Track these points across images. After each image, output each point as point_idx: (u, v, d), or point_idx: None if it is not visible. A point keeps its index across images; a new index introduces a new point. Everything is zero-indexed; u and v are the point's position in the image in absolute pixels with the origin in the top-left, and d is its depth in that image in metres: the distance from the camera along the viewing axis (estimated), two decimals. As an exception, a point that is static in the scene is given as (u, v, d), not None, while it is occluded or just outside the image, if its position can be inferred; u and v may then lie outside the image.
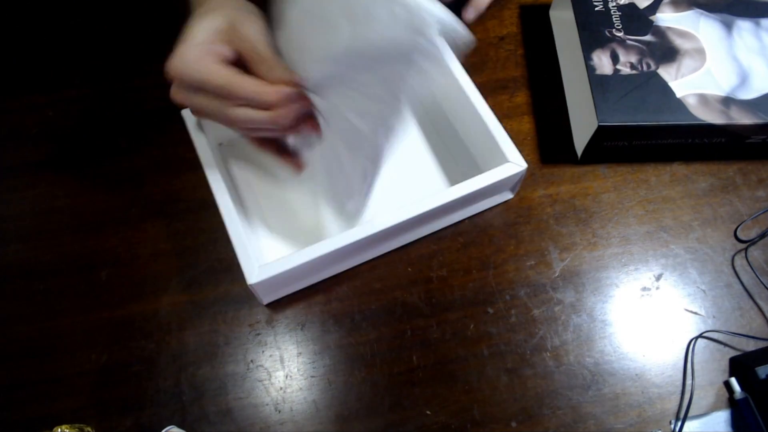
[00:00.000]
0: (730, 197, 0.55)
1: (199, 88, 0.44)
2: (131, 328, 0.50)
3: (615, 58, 0.56)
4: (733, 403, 0.47)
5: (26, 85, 0.62)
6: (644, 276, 0.52)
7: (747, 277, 0.52)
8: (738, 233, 0.54)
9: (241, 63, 0.45)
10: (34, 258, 0.53)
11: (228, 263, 0.52)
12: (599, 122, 0.52)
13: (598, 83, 0.54)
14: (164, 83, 0.44)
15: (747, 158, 0.57)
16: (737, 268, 0.52)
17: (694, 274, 0.52)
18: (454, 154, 0.57)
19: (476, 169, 0.53)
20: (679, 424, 0.46)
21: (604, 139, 0.54)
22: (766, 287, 0.51)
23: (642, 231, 0.51)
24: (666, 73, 0.55)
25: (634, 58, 0.56)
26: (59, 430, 0.43)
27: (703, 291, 0.52)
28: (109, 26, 0.65)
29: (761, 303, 0.51)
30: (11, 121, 0.60)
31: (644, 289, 0.52)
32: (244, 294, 0.51)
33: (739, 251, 0.53)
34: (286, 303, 0.51)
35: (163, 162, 0.57)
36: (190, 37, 0.43)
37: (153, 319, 0.50)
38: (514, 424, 0.47)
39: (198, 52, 0.43)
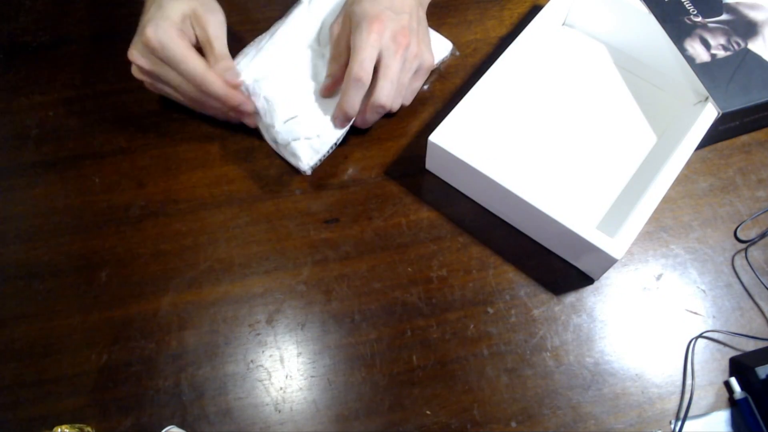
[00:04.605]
0: (730, 197, 0.55)
1: (172, 65, 0.48)
2: (131, 328, 0.50)
3: (706, 44, 0.55)
4: (733, 403, 0.47)
5: (26, 85, 0.62)
6: (644, 276, 0.52)
7: (747, 277, 0.52)
8: (738, 233, 0.54)
9: (197, 46, 0.50)
10: (34, 258, 0.53)
11: (228, 263, 0.52)
12: (723, 110, 0.52)
13: (703, 72, 0.54)
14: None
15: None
16: (737, 268, 0.52)
17: (694, 274, 0.52)
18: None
19: None
20: (679, 424, 0.46)
21: (720, 125, 0.54)
22: (766, 287, 0.51)
23: (642, 231, 0.51)
24: (756, 47, 0.55)
25: (722, 40, 0.55)
26: (59, 430, 0.43)
27: (703, 291, 0.52)
28: (109, 26, 0.65)
29: (761, 303, 0.51)
30: (11, 121, 0.60)
31: (644, 289, 0.52)
32: (244, 294, 0.51)
33: (739, 251, 0.53)
34: (284, 301, 0.51)
35: (163, 162, 0.57)
36: (163, 15, 0.47)
37: (153, 319, 0.50)
38: (514, 424, 0.47)
39: (175, 31, 0.47)
